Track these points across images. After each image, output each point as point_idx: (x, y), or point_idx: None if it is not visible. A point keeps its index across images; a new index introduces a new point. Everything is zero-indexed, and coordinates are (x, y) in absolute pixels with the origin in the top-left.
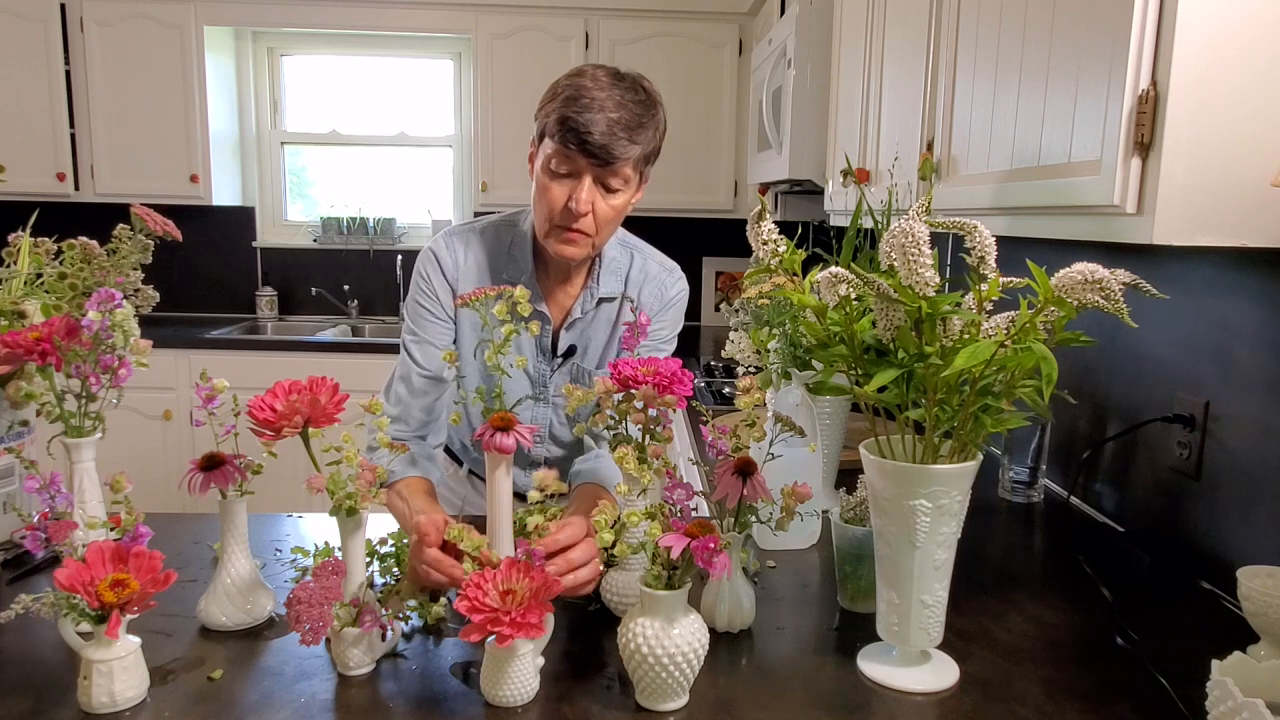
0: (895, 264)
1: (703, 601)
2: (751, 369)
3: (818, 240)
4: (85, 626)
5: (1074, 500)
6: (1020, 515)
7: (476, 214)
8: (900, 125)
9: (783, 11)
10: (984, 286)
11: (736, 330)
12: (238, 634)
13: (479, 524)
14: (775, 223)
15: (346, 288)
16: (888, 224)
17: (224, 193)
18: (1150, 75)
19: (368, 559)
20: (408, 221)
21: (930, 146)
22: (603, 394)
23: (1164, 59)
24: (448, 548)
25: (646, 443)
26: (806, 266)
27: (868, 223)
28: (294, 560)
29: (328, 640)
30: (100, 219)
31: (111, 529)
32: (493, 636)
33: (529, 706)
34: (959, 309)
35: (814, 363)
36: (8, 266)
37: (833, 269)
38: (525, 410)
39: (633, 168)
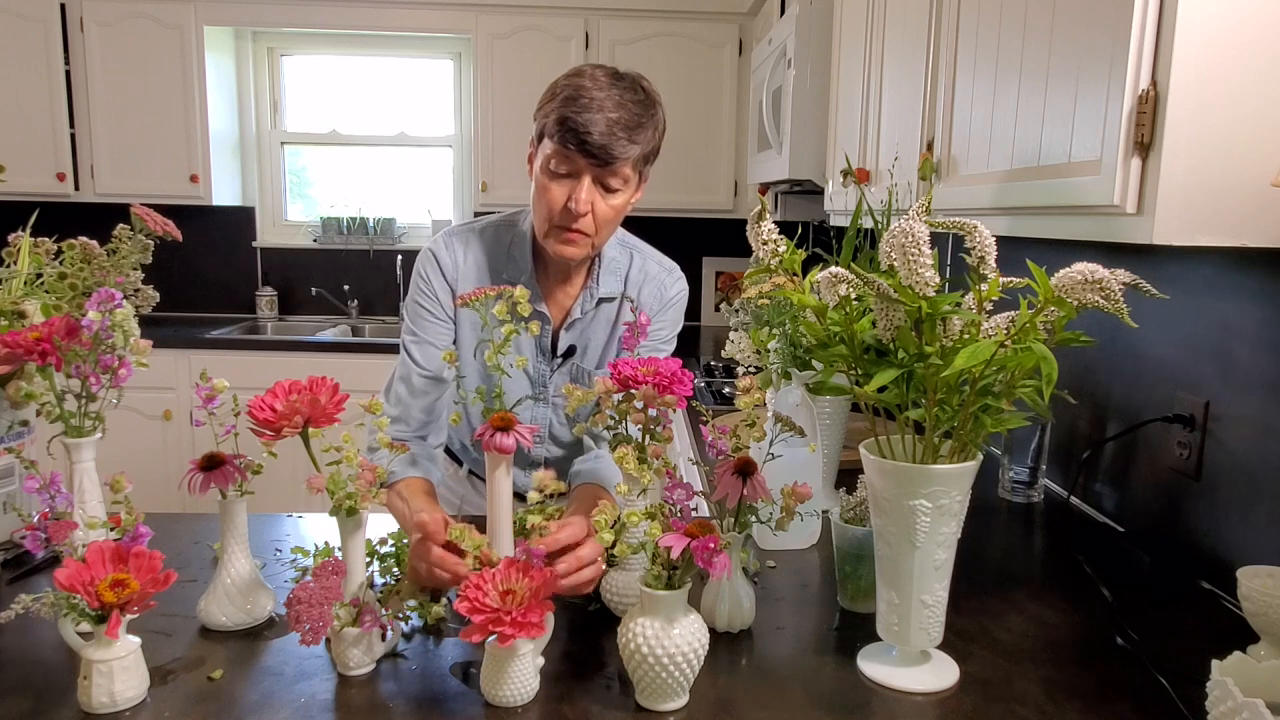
0: (895, 264)
1: (703, 601)
2: (751, 369)
3: (818, 240)
4: (85, 626)
5: (1074, 500)
6: (1020, 515)
7: (476, 214)
8: (900, 125)
9: (783, 11)
10: (984, 286)
11: (736, 330)
12: (238, 634)
13: (479, 524)
14: (775, 223)
15: (346, 288)
16: (888, 224)
17: (224, 193)
18: (1150, 75)
19: (368, 559)
20: (408, 221)
21: (930, 146)
22: (602, 394)
23: (1164, 59)
24: (449, 547)
25: (646, 443)
26: (806, 266)
27: (868, 223)
28: (294, 560)
29: (328, 640)
30: (100, 219)
31: (111, 529)
32: (493, 636)
33: (529, 706)
34: (959, 309)
35: (814, 363)
36: (8, 266)
37: (833, 269)
38: (525, 410)
39: (632, 168)
